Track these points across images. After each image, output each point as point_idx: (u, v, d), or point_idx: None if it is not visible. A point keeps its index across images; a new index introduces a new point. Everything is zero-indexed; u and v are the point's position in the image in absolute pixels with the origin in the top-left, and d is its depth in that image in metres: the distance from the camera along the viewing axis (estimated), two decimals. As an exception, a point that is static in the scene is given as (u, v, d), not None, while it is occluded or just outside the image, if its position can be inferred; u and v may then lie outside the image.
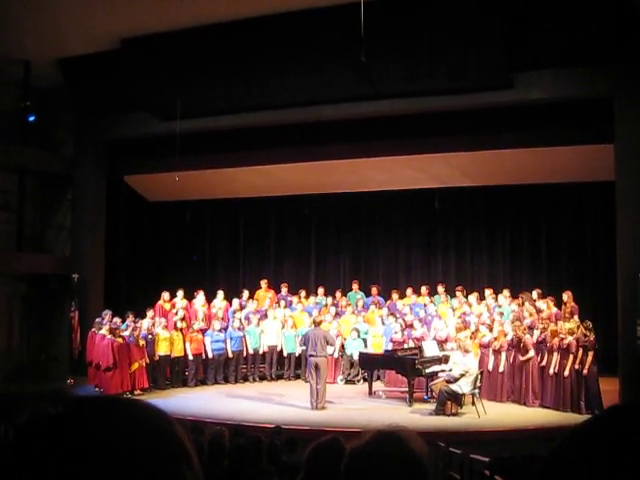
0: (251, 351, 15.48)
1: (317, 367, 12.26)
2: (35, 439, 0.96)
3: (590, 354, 11.68)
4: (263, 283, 17.20)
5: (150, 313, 14.82)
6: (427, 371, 12.67)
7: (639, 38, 11.81)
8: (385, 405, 12.88)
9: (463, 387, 11.70)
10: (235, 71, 13.91)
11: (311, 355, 12.34)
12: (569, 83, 12.79)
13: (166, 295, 15.93)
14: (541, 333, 12.50)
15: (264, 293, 16.93)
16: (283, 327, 15.70)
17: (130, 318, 14.30)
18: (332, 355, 14.41)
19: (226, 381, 15.26)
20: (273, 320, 15.70)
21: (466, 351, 12.00)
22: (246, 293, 16.73)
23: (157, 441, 0.96)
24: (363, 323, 15.32)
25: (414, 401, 12.64)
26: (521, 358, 12.57)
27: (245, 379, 15.57)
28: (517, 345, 12.66)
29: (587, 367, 11.64)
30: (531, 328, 12.72)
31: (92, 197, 16.78)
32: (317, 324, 12.99)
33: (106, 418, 0.96)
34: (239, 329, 15.36)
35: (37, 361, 16.41)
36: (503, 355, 12.85)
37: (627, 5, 11.66)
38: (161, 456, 0.95)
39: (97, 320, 14.38)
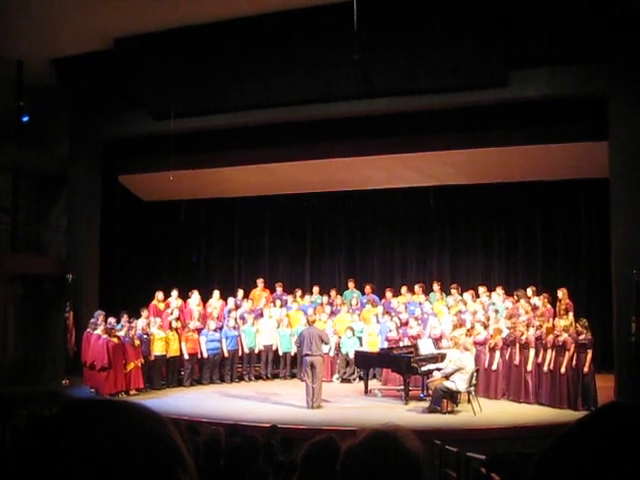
0: (247, 350, 15.48)
1: (312, 366, 12.26)
2: (29, 441, 0.95)
3: (589, 352, 11.71)
4: (259, 282, 17.20)
5: (145, 313, 14.80)
6: (423, 369, 12.67)
7: (634, 36, 11.84)
8: (381, 403, 12.89)
9: (459, 384, 11.71)
10: (229, 70, 13.90)
11: (306, 354, 12.34)
12: (564, 81, 12.80)
13: (160, 295, 15.91)
14: (536, 330, 12.52)
15: (260, 292, 16.93)
16: (278, 326, 15.70)
17: (125, 318, 14.27)
18: (328, 354, 14.43)
19: (222, 381, 15.24)
20: (268, 319, 15.69)
21: (466, 349, 12.01)
22: (241, 292, 16.72)
23: (151, 444, 0.95)
24: (358, 322, 15.33)
25: (410, 399, 12.65)
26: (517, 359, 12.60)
27: (241, 378, 15.56)
28: (514, 342, 12.67)
29: (587, 365, 11.66)
30: (527, 325, 12.74)
31: (87, 197, 16.74)
32: (311, 323, 13.00)
33: (99, 421, 0.96)
34: (234, 328, 15.34)
35: (32, 362, 16.37)
36: (497, 353, 12.87)
37: (622, 3, 11.68)
38: (155, 460, 0.94)
39: (91, 321, 14.35)
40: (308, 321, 13.25)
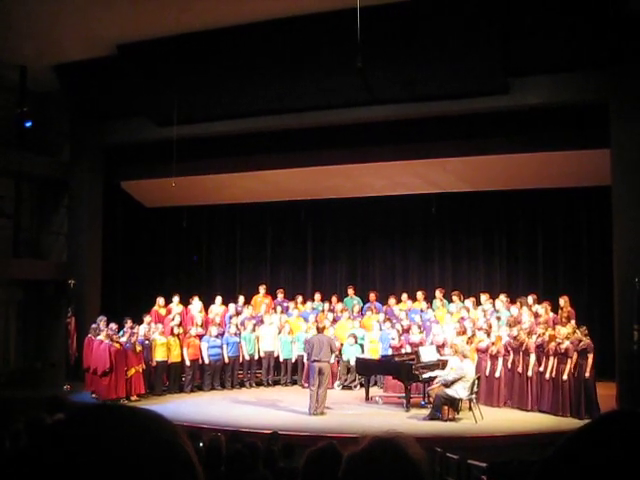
0: (247, 357, 15.46)
1: (321, 372, 12.28)
2: (39, 446, 0.95)
3: (590, 357, 11.70)
4: (261, 288, 17.18)
5: (147, 319, 14.80)
6: (424, 376, 12.65)
7: (634, 43, 11.86)
8: (382, 411, 12.86)
9: (460, 392, 11.69)
10: (232, 77, 13.93)
11: (315, 360, 12.35)
12: (565, 88, 12.83)
13: (161, 300, 15.93)
14: (538, 337, 12.51)
15: (261, 299, 16.92)
16: (280, 333, 15.67)
17: (128, 324, 14.28)
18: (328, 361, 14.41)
19: (223, 387, 15.23)
20: (269, 326, 15.67)
21: (464, 356, 11.99)
22: (242, 299, 16.70)
23: (163, 453, 0.95)
24: (360, 328, 15.30)
25: (411, 406, 12.63)
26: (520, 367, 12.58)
27: (242, 385, 15.54)
28: (517, 349, 12.65)
29: (589, 370, 11.64)
30: (530, 333, 12.73)
31: (89, 203, 16.77)
32: (321, 330, 13.04)
33: (111, 427, 0.95)
34: (235, 335, 15.33)
35: (33, 367, 16.37)
36: (500, 360, 12.85)
37: (622, 10, 11.70)
38: (166, 468, 0.94)
39: (93, 326, 14.36)
40: (318, 328, 13.29)
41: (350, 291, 17.03)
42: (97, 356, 13.69)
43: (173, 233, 18.68)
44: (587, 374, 11.64)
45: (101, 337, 13.84)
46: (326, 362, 12.43)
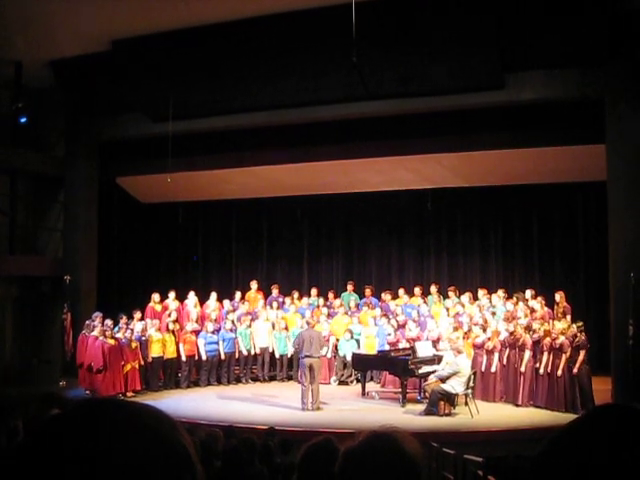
0: (244, 352, 15.47)
1: (311, 368, 12.27)
2: (36, 443, 0.94)
3: (582, 353, 11.74)
4: (253, 284, 17.19)
5: (137, 315, 14.76)
6: (420, 371, 12.67)
7: (630, 39, 11.87)
8: (378, 406, 12.88)
9: (456, 387, 11.71)
10: (227, 72, 13.89)
11: (306, 356, 12.35)
12: (561, 84, 12.82)
13: (156, 296, 15.91)
14: (534, 333, 12.53)
15: (254, 294, 16.92)
16: (274, 328, 15.68)
17: (123, 320, 14.27)
18: (325, 356, 14.42)
19: (219, 382, 15.25)
20: (264, 322, 15.67)
21: (458, 352, 12.01)
22: (238, 294, 16.71)
23: (162, 448, 0.94)
24: (356, 324, 15.31)
25: (407, 401, 12.66)
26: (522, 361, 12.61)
27: (238, 381, 15.55)
28: (512, 345, 12.67)
29: (578, 366, 11.69)
30: (526, 328, 12.75)
31: (84, 199, 16.72)
32: (311, 325, 13.03)
33: (109, 422, 0.94)
34: (231, 330, 15.34)
35: (29, 364, 16.34)
36: (496, 355, 12.87)
37: (618, 6, 11.70)
38: (166, 464, 0.93)
39: (87, 322, 14.34)
40: (309, 323, 13.30)
41: (349, 287, 17.02)
42: (91, 353, 13.68)
43: (169, 229, 18.66)
44: (575, 370, 11.71)
45: (95, 333, 13.83)
46: (317, 358, 12.43)
